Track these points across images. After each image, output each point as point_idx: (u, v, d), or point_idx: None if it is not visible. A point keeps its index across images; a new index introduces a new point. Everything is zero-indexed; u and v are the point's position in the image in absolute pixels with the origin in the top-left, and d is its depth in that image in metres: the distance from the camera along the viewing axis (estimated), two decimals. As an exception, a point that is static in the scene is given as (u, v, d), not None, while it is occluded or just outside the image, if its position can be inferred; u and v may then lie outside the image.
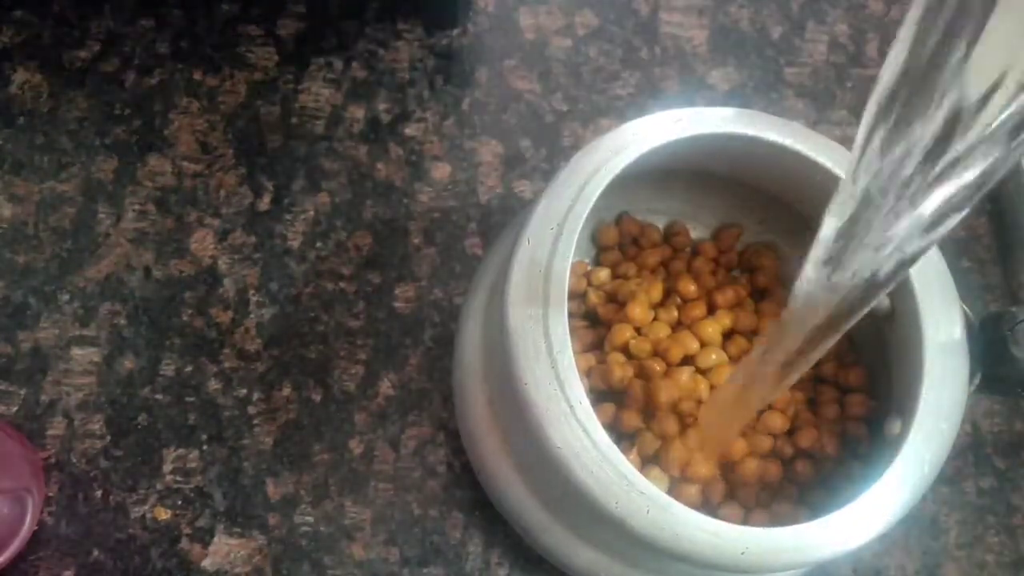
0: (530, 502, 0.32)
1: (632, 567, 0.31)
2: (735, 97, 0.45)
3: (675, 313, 0.35)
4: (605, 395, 0.33)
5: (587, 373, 0.33)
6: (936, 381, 0.29)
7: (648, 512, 0.26)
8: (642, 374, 0.33)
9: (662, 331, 0.34)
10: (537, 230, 0.29)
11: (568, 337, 0.28)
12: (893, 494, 0.28)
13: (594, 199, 0.29)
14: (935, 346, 0.29)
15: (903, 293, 0.31)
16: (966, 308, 0.31)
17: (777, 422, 0.33)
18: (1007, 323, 0.29)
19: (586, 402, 0.27)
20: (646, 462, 0.32)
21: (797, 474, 0.33)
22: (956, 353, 0.30)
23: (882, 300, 0.32)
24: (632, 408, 0.32)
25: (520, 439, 0.31)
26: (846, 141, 0.33)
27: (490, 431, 0.32)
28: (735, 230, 0.37)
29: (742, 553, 0.26)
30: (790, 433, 0.33)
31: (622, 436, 0.32)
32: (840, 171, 0.31)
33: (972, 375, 0.30)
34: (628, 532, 0.27)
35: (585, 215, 0.29)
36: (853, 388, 0.34)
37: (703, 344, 0.34)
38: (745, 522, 0.32)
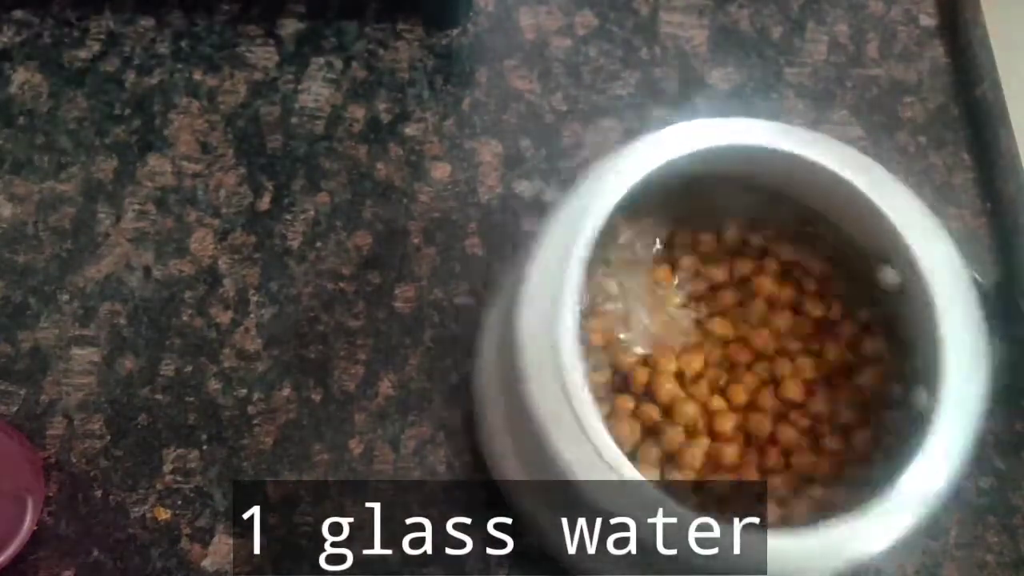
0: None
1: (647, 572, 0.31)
2: (735, 97, 0.45)
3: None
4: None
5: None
6: (957, 350, 0.29)
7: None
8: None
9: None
10: (551, 244, 0.30)
11: (577, 349, 0.28)
12: (933, 470, 0.27)
13: (607, 211, 0.30)
14: (950, 317, 0.29)
15: (909, 269, 0.30)
16: (976, 274, 0.30)
17: (791, 390, 0.33)
18: (1019, 286, 0.29)
19: (599, 422, 0.27)
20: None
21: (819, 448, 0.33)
22: (971, 319, 0.29)
23: (891, 276, 0.32)
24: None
25: (532, 451, 0.31)
26: (846, 142, 0.33)
27: (507, 440, 0.33)
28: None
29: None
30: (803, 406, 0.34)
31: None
32: (839, 168, 0.31)
33: (989, 340, 0.30)
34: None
35: (599, 230, 0.30)
36: (871, 359, 0.34)
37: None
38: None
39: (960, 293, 0.30)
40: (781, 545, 0.26)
